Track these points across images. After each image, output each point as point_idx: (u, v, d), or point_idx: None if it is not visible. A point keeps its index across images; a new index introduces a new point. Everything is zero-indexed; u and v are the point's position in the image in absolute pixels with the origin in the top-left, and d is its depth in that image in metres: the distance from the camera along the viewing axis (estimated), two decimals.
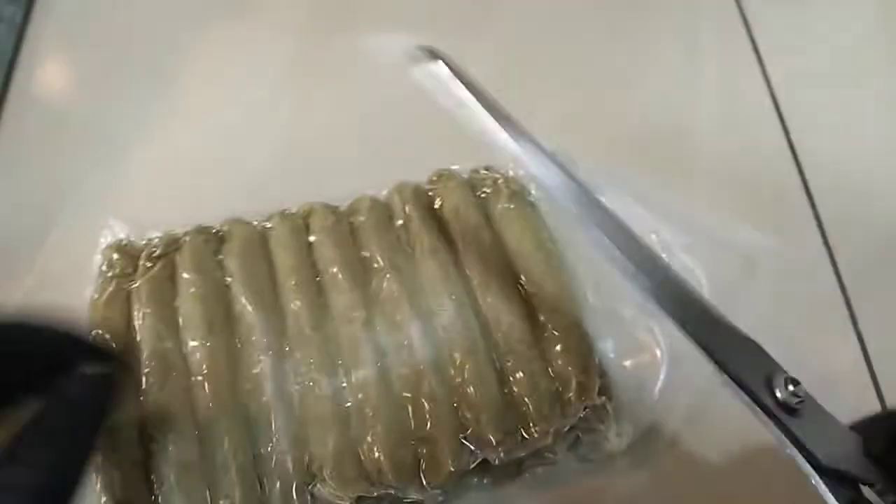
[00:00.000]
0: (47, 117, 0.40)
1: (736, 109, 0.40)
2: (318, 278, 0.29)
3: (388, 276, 0.28)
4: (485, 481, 0.27)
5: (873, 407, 0.31)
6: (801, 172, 0.38)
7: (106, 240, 0.30)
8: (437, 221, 0.30)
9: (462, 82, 0.25)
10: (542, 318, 0.28)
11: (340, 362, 0.27)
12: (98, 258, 0.30)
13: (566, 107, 0.39)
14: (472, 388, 0.26)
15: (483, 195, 0.31)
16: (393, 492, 0.25)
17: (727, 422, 0.30)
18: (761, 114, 0.40)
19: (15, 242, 0.36)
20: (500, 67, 0.40)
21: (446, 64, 0.26)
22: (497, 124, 0.24)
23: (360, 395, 0.26)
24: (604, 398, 0.27)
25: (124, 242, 0.30)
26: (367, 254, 0.29)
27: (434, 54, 0.26)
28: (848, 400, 0.32)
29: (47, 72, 0.41)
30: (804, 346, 0.34)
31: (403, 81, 0.39)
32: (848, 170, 0.38)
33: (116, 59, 0.41)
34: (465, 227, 0.30)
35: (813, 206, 0.37)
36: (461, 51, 0.41)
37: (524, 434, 0.26)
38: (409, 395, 0.26)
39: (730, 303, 0.32)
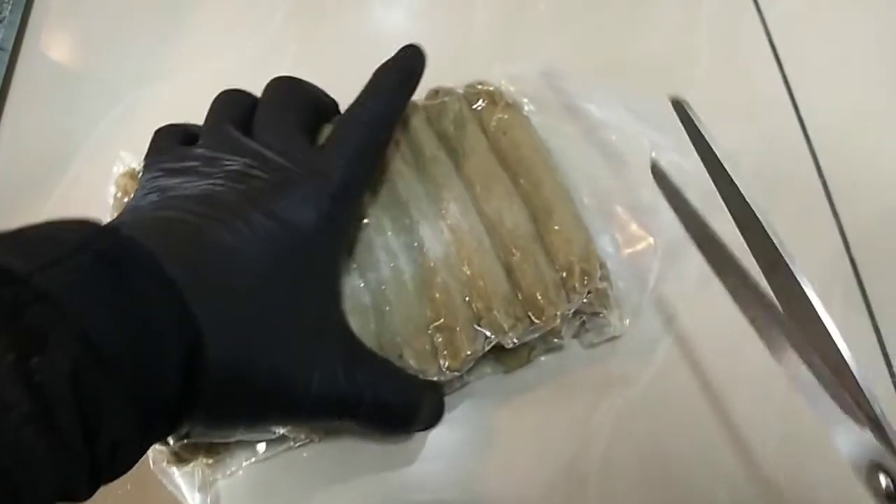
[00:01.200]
0: (58, 66, 0.40)
1: (730, 42, 0.40)
2: None
3: (395, 183, 0.30)
4: (499, 370, 0.29)
5: (857, 306, 0.32)
6: (787, 85, 0.39)
7: (118, 169, 0.31)
8: (436, 133, 0.32)
9: None
10: (542, 215, 0.30)
11: (355, 266, 0.28)
12: (112, 188, 0.31)
13: (573, 39, 0.40)
14: (481, 282, 0.28)
15: (479, 108, 0.33)
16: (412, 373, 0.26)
17: (720, 309, 0.32)
18: (756, 48, 0.40)
19: (32, 182, 0.37)
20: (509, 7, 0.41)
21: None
22: None
23: (376, 294, 0.28)
24: (605, 283, 0.29)
25: (137, 170, 0.31)
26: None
27: None
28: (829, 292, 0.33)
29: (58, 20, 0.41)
30: (787, 240, 0.35)
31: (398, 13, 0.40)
32: (838, 89, 0.37)
33: (124, 12, 0.42)
34: (463, 136, 0.31)
35: (798, 115, 0.38)
36: None
37: (533, 319, 0.27)
38: (422, 291, 0.28)
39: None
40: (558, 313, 0.27)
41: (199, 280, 0.19)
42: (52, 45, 0.40)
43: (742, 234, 0.23)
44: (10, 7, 0.37)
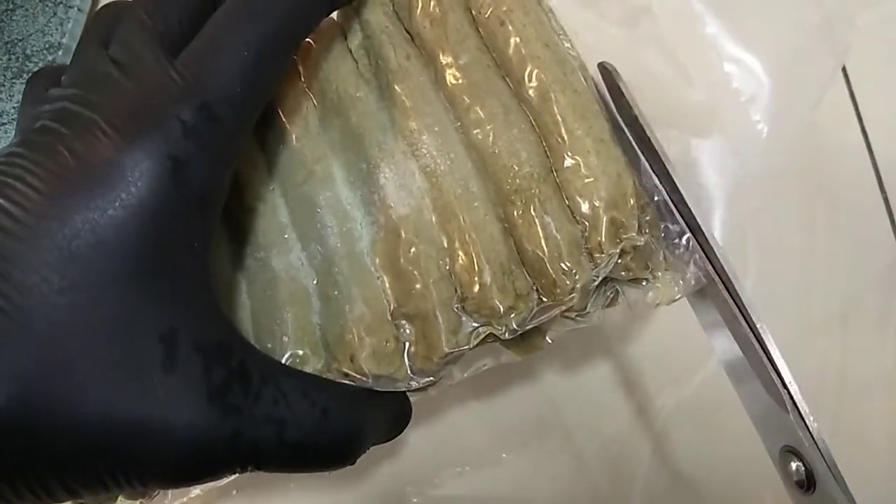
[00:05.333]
0: None
1: None
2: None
3: (347, 111, 0.22)
4: (500, 360, 0.22)
5: None
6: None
7: None
8: (405, 33, 0.23)
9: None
10: (555, 141, 0.20)
11: (291, 236, 0.21)
12: None
13: None
14: (467, 247, 0.20)
15: None
16: (370, 384, 0.19)
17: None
18: None
19: None
20: None
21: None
22: None
23: (321, 274, 0.20)
24: (647, 236, 0.20)
25: None
26: (322, 90, 0.22)
27: None
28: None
29: None
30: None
31: None
32: None
33: None
34: (442, 34, 0.22)
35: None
36: None
37: (541, 295, 0.19)
38: (384, 264, 0.20)
39: None
40: (577, 286, 0.19)
41: None
42: None
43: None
44: None
